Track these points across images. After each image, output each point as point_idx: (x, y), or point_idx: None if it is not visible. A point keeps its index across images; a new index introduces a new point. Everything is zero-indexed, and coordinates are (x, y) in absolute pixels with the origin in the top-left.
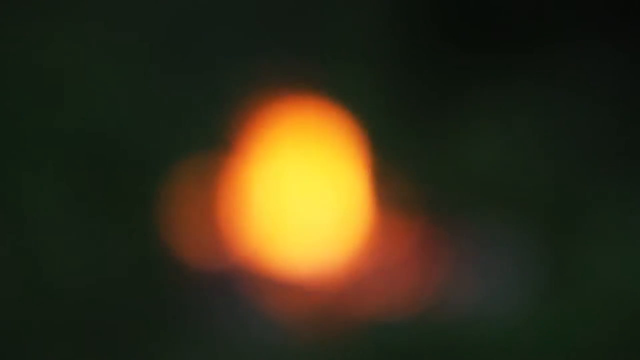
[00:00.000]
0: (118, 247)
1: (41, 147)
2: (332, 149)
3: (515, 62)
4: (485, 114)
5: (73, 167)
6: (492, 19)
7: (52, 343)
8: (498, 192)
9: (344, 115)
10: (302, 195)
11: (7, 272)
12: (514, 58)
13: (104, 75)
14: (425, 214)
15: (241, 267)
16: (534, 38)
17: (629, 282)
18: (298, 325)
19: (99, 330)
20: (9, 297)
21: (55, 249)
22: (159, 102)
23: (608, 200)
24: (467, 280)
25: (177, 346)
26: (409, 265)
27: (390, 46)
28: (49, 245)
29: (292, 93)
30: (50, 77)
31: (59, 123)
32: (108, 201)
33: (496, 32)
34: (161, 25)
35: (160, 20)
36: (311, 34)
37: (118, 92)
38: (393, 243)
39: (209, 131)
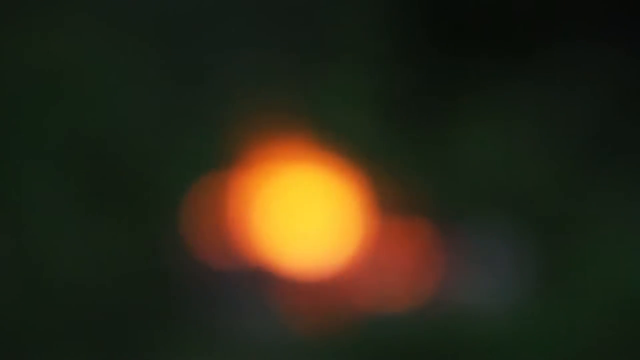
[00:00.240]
0: (120, 247)
1: (41, 147)
2: (330, 153)
3: (511, 66)
4: (482, 117)
5: (74, 168)
6: (487, 23)
7: (53, 343)
8: (494, 192)
9: (341, 121)
10: (302, 198)
11: (7, 271)
12: (511, 62)
13: (104, 76)
14: (422, 215)
15: (245, 268)
16: (531, 41)
17: (621, 280)
18: (301, 322)
19: (101, 330)
20: (10, 296)
21: (56, 250)
22: (160, 104)
23: (602, 202)
24: (464, 278)
25: (181, 344)
26: (407, 265)
27: (386, 51)
28: (50, 246)
29: (289, 99)
30: (50, 77)
31: (59, 124)
32: (109, 201)
33: (492, 37)
34: (160, 26)
35: (160, 20)
36: (308, 38)
37: (118, 94)
38: (391, 244)
39: (210, 135)
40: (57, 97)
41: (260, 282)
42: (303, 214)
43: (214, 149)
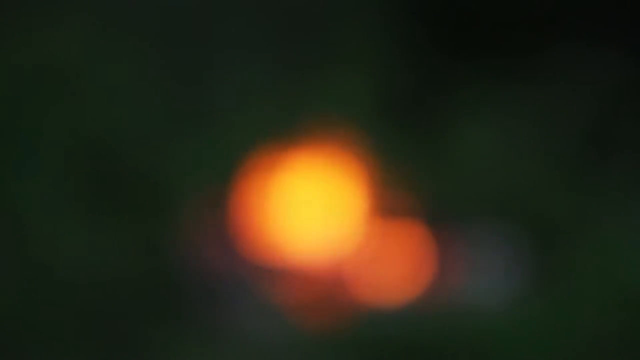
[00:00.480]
0: (121, 247)
1: (42, 147)
2: (332, 153)
3: (511, 66)
4: (482, 116)
5: (74, 167)
6: (488, 23)
7: (53, 343)
8: (493, 191)
9: (341, 121)
10: (302, 198)
11: (7, 271)
12: (510, 62)
13: (104, 76)
14: (422, 214)
15: (245, 267)
16: (531, 41)
17: (619, 280)
18: (301, 321)
19: (101, 330)
20: (10, 296)
21: (56, 250)
22: (160, 104)
23: (601, 202)
24: (463, 277)
25: (181, 344)
26: (406, 264)
27: (386, 51)
28: (50, 246)
29: (288, 98)
30: (50, 77)
31: (59, 123)
32: (109, 201)
33: (492, 37)
34: (160, 26)
35: (160, 20)
36: (308, 38)
37: (118, 94)
38: (391, 243)
39: (210, 134)
40: (57, 97)
41: (260, 282)
42: (303, 214)
43: (214, 148)
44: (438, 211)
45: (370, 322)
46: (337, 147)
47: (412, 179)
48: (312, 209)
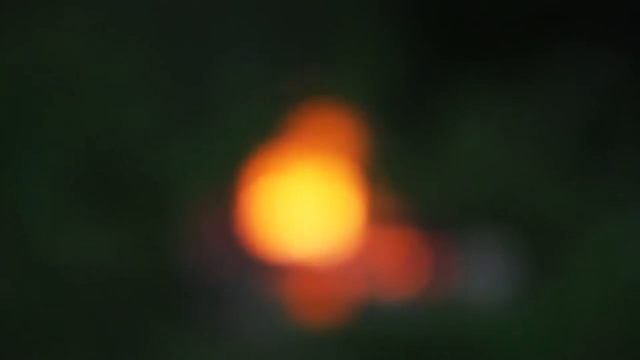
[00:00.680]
0: (121, 247)
1: (41, 147)
2: (331, 153)
3: (511, 66)
4: (481, 116)
5: (74, 167)
6: (487, 23)
7: (53, 343)
8: (492, 192)
9: (341, 121)
10: (301, 198)
11: (7, 271)
12: (510, 62)
13: (104, 76)
14: (420, 214)
15: (246, 267)
16: (531, 41)
17: (618, 280)
18: (301, 320)
19: (102, 329)
20: (10, 296)
21: (56, 249)
22: (160, 104)
23: (600, 202)
24: (462, 277)
25: (182, 343)
26: (406, 263)
27: (385, 51)
28: (50, 246)
29: (288, 98)
30: (50, 77)
31: (59, 123)
32: (109, 201)
33: (492, 37)
34: (160, 26)
35: (160, 20)
36: (307, 38)
37: (118, 94)
38: (389, 243)
39: (210, 134)
40: (57, 96)
41: (260, 281)
42: (302, 214)
43: (214, 148)
44: (437, 211)
45: (370, 322)
46: (337, 147)
47: (412, 178)
48: (312, 209)
